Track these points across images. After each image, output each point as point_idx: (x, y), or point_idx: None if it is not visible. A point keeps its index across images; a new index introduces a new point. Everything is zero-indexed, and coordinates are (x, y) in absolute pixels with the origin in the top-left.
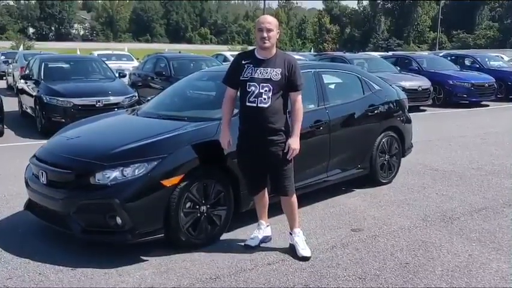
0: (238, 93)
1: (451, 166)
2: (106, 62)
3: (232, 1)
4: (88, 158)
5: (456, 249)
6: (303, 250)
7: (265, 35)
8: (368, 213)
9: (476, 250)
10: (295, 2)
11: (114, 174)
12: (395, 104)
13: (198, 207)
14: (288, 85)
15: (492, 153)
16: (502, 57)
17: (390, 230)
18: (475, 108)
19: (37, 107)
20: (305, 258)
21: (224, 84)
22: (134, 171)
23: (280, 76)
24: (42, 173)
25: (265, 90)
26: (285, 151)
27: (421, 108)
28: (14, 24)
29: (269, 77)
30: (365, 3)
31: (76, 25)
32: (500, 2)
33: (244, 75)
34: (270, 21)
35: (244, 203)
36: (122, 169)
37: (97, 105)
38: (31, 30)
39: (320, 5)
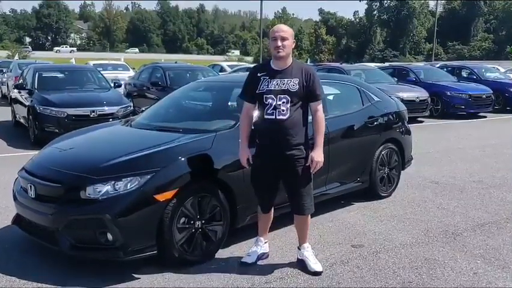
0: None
1: (451, 179)
2: (102, 71)
3: (229, 12)
4: (78, 171)
5: (460, 267)
6: (315, 264)
7: (279, 44)
8: (369, 228)
9: (481, 268)
10: (291, 13)
11: (105, 188)
12: (394, 116)
13: (192, 222)
14: (307, 95)
15: (492, 166)
16: (498, 69)
17: (392, 246)
18: (473, 120)
19: (30, 117)
20: (317, 273)
21: (241, 99)
22: (127, 185)
23: (298, 86)
24: (30, 186)
25: (283, 102)
26: (307, 164)
27: (419, 119)
28: (11, 33)
29: (286, 88)
30: (361, 14)
31: (72, 35)
32: (495, 14)
33: (261, 88)
34: (284, 29)
35: (241, 218)
36: (114, 183)
37: (91, 116)
38: (28, 39)
39: (316, 16)
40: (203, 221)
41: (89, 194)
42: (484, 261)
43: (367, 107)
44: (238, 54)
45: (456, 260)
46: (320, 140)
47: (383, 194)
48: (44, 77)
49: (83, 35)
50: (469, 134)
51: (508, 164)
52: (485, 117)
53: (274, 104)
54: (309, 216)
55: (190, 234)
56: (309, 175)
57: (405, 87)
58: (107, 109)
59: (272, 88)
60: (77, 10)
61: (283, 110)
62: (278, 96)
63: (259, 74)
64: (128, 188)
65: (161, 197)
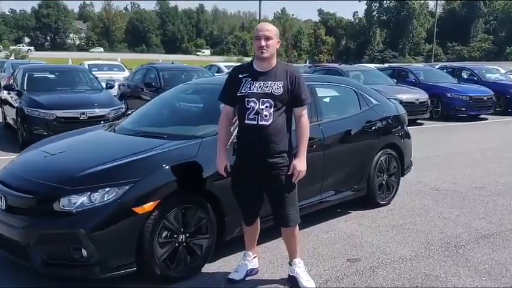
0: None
1: (453, 185)
2: (97, 72)
3: (228, 12)
4: (52, 181)
5: (464, 284)
6: (307, 282)
7: (263, 43)
8: (366, 239)
9: (487, 286)
10: (291, 13)
11: (80, 200)
12: (393, 120)
13: (175, 236)
14: (291, 100)
15: (495, 171)
16: (498, 70)
17: (390, 261)
18: (473, 122)
19: (18, 119)
20: None
21: (220, 101)
22: (103, 196)
23: (282, 90)
24: (1, 197)
25: (266, 106)
26: (289, 173)
27: (418, 121)
28: (10, 33)
29: (270, 91)
30: (360, 15)
31: (71, 35)
32: (495, 15)
33: (242, 91)
34: (269, 28)
35: (229, 231)
36: (90, 194)
37: (81, 118)
38: (26, 39)
39: (315, 17)
40: (187, 235)
41: (63, 206)
42: (490, 278)
43: (365, 111)
44: (209, 54)
45: (459, 277)
46: (304, 148)
47: (381, 202)
48: (33, 77)
49: (82, 35)
50: (469, 137)
51: (511, 169)
52: (486, 119)
53: (256, 108)
54: (297, 228)
55: (173, 249)
56: (293, 184)
57: (404, 89)
58: (98, 111)
59: (255, 91)
60: (76, 10)
61: (266, 115)
62: (261, 99)
63: (240, 75)
64: (105, 199)
65: (140, 210)
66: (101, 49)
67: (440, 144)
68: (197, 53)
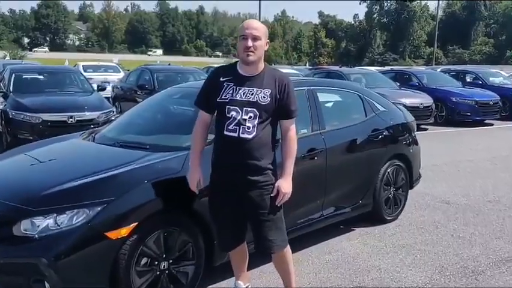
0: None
1: (464, 198)
2: (92, 73)
3: (229, 14)
4: (12, 201)
5: None
6: None
7: (250, 44)
8: (372, 263)
9: None
10: (291, 15)
11: (45, 223)
12: (401, 128)
13: (156, 263)
14: (279, 111)
15: (507, 182)
16: (501, 73)
17: None
18: (479, 128)
19: (3, 122)
20: None
21: (196, 106)
22: (72, 219)
23: (269, 99)
24: None
25: (250, 117)
26: (272, 195)
27: (422, 126)
28: (9, 33)
29: (255, 100)
30: (360, 17)
31: (71, 35)
32: (496, 18)
33: (223, 97)
34: (256, 26)
35: (219, 255)
36: (56, 216)
37: (68, 122)
38: (26, 40)
39: (316, 19)
40: (170, 261)
41: (24, 230)
42: None
43: (371, 118)
44: (161, 53)
45: None
46: (290, 166)
47: (388, 218)
48: (20, 79)
49: (81, 35)
50: (477, 144)
51: None
52: (491, 124)
53: (238, 118)
54: (289, 251)
55: (154, 278)
56: (278, 205)
57: (408, 93)
58: (87, 114)
59: (237, 98)
60: (76, 11)
61: (248, 128)
62: (244, 108)
63: (222, 79)
64: (74, 223)
65: (115, 234)
66: (46, 49)
67: (446, 152)
68: (148, 53)
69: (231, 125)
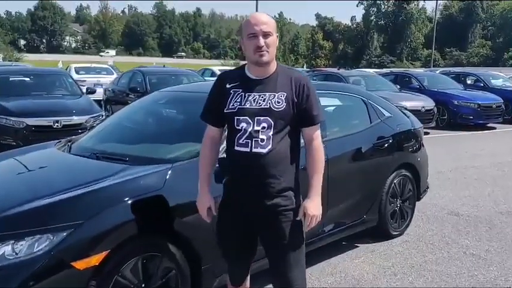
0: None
1: (474, 209)
2: (84, 75)
3: (226, 16)
4: None
5: None
6: None
7: (261, 42)
8: (379, 286)
9: None
10: (288, 18)
11: (1, 251)
12: (409, 135)
13: None
14: (299, 117)
15: None
16: (501, 75)
17: None
18: (482, 131)
19: None
20: None
21: (203, 120)
22: (33, 246)
23: (284, 104)
24: None
25: (263, 128)
26: (298, 218)
27: (424, 131)
28: (5, 35)
29: (268, 106)
30: (358, 19)
31: (67, 37)
32: (493, 20)
33: (230, 106)
34: (265, 21)
35: (207, 282)
36: (14, 243)
37: (54, 126)
38: (22, 42)
39: (313, 21)
40: None
41: None
42: None
43: (376, 125)
44: (114, 54)
45: None
46: (318, 184)
47: (394, 233)
48: (6, 81)
49: (78, 37)
50: (481, 149)
51: None
52: (494, 128)
53: (249, 130)
54: None
55: None
56: (300, 235)
57: (409, 96)
58: (75, 119)
59: (247, 106)
60: (73, 13)
61: (262, 140)
62: (256, 118)
63: (228, 85)
64: (35, 250)
65: (83, 264)
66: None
67: (450, 157)
68: (100, 54)
69: (242, 139)
